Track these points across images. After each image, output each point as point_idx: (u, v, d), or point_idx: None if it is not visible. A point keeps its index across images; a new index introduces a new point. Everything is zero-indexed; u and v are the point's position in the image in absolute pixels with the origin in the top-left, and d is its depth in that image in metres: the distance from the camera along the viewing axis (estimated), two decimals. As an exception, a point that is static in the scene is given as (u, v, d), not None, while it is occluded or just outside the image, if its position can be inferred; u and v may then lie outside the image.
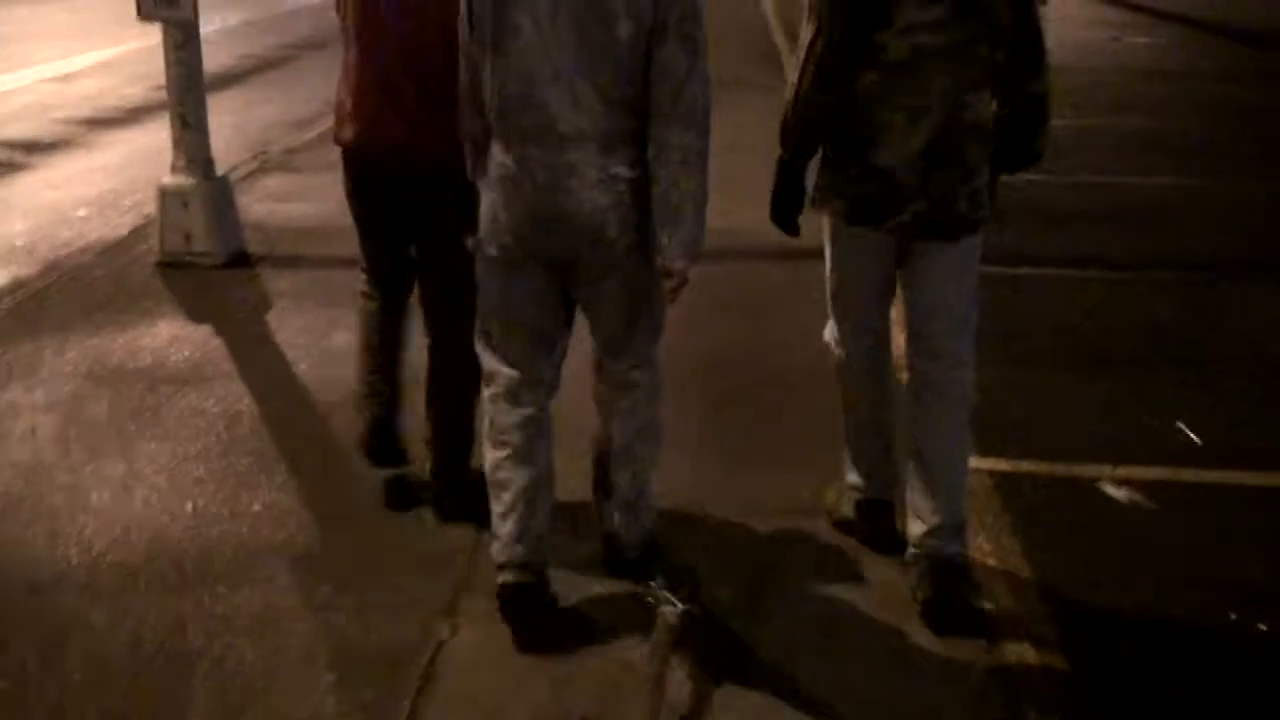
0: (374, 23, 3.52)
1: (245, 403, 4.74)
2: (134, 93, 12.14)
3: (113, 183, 8.52)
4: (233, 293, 6.05)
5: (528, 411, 3.27)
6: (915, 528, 3.44)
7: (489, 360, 3.30)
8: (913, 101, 3.18)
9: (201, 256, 6.34)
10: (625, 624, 3.31)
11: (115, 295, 5.99)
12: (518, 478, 3.25)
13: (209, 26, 17.47)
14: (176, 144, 6.43)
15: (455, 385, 3.74)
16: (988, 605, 3.44)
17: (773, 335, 5.47)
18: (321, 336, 5.40)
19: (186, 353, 5.24)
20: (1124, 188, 8.51)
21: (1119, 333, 5.66)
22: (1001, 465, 4.26)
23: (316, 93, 12.26)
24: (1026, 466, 4.29)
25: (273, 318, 5.69)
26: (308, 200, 7.82)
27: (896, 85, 3.18)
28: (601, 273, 3.14)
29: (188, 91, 6.39)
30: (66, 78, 12.91)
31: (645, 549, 3.52)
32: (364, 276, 3.93)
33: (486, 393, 3.33)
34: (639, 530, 3.50)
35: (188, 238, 6.33)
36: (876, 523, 3.71)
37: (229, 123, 10.72)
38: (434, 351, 3.78)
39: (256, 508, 3.96)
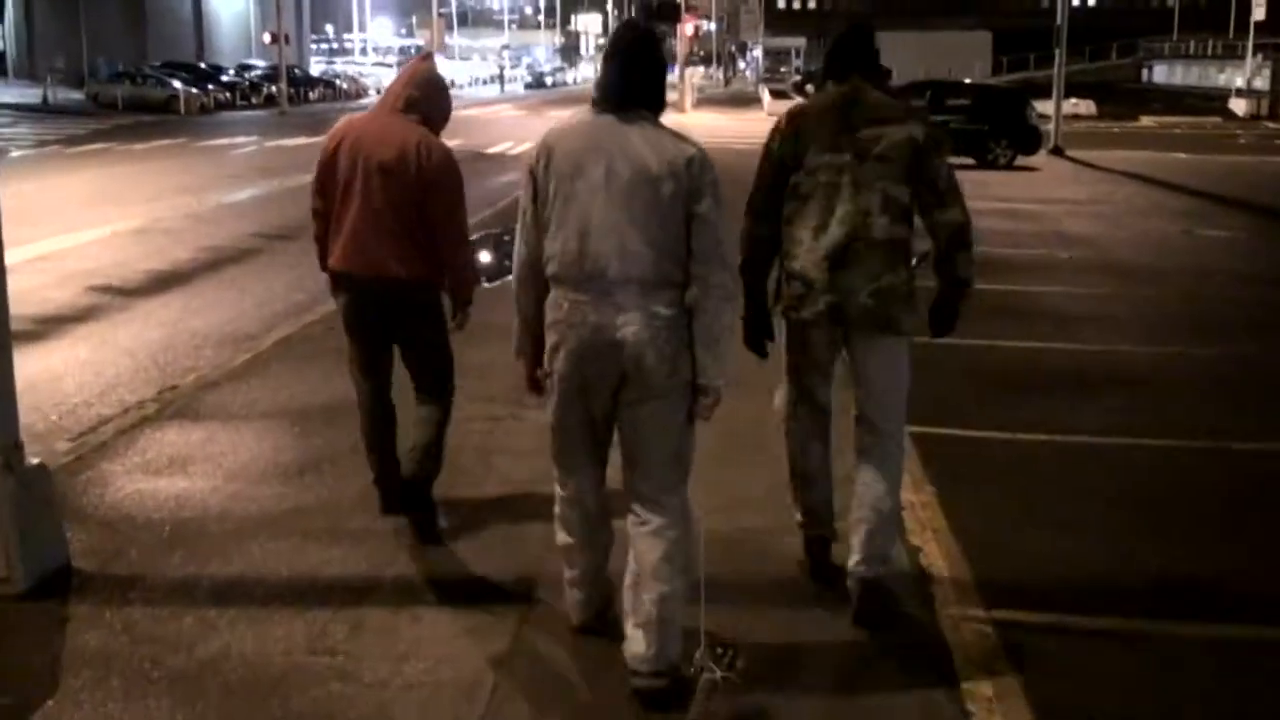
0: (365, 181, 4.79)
1: None
2: (58, 297, 10.44)
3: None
4: (6, 658, 4.09)
5: (584, 511, 3.97)
6: (851, 559, 4.33)
7: (558, 469, 3.98)
8: (815, 222, 4.21)
9: (-6, 584, 4.42)
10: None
11: None
12: (577, 565, 4.07)
13: (180, 211, 16.22)
14: (-35, 424, 4.54)
15: (435, 427, 5.00)
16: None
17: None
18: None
19: None
20: (1238, 458, 6.50)
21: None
22: None
23: (274, 296, 10.60)
24: None
25: (41, 722, 3.71)
26: (198, 471, 5.91)
27: (805, 211, 4.24)
28: (640, 397, 3.69)
29: (-16, 350, 4.54)
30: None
31: (671, 680, 3.73)
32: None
33: (558, 491, 4.01)
34: (663, 659, 3.72)
35: (-24, 557, 4.43)
36: (820, 554, 4.59)
37: (152, 340, 8.98)
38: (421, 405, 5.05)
39: None
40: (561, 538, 4.04)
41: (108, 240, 13.51)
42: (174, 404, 7.12)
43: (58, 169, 22.43)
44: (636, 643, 3.72)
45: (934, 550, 4.89)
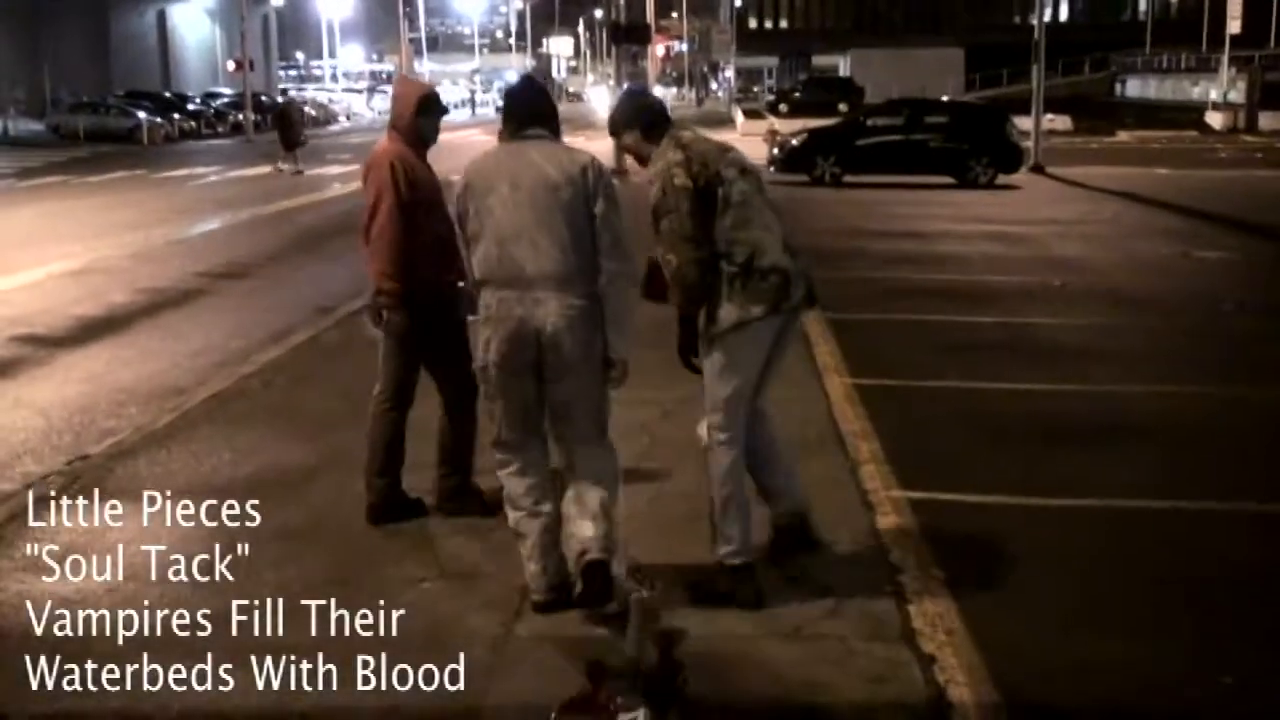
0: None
1: None
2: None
3: None
4: None
5: (531, 481, 4.46)
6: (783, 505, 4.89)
7: (502, 452, 4.51)
8: (764, 220, 4.57)
9: None
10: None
11: None
12: (531, 531, 4.43)
13: (125, 250, 15.35)
14: None
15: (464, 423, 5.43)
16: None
17: None
18: None
19: None
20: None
21: None
22: None
23: (211, 344, 9.76)
24: None
25: None
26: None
27: (748, 215, 4.52)
28: (560, 375, 4.32)
29: None
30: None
31: (607, 573, 4.29)
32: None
33: (501, 473, 4.54)
34: (611, 541, 4.31)
35: None
36: (751, 583, 4.55)
37: (70, 398, 8.13)
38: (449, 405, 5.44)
39: None
40: (512, 516, 4.50)
41: (40, 284, 12.63)
42: (81, 478, 6.30)
43: (4, 204, 21.57)
44: (585, 528, 4.30)
45: (951, 662, 4.08)
